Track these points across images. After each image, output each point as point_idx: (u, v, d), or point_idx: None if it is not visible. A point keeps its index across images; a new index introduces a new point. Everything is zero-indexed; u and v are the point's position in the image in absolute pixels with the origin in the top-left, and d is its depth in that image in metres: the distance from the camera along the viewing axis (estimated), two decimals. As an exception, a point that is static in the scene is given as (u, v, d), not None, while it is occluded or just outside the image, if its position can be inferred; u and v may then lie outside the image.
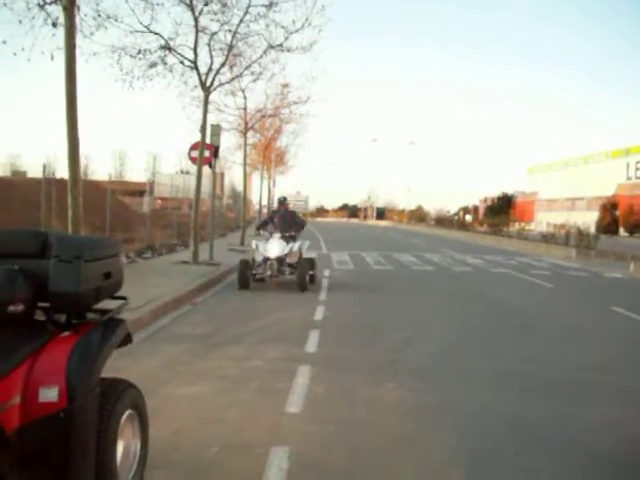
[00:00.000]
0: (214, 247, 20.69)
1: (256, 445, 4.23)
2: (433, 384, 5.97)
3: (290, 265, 12.40)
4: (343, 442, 4.39)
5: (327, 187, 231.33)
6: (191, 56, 14.56)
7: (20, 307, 3.09)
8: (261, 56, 15.80)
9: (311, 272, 12.83)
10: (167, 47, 14.19)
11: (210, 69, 15.03)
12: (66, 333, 3.15)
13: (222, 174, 66.84)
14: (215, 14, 14.16)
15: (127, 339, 3.58)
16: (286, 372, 6.10)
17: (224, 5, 13.96)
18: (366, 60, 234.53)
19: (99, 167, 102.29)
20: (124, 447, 3.40)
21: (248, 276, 12.16)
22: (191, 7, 14.07)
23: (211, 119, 19.81)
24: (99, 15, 11.38)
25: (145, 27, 14.02)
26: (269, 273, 12.23)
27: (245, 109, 22.52)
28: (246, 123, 22.91)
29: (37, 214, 13.71)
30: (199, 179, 15.79)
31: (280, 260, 12.25)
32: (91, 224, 14.66)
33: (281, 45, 15.36)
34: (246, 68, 16.13)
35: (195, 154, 15.88)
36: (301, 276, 12.05)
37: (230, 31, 15.02)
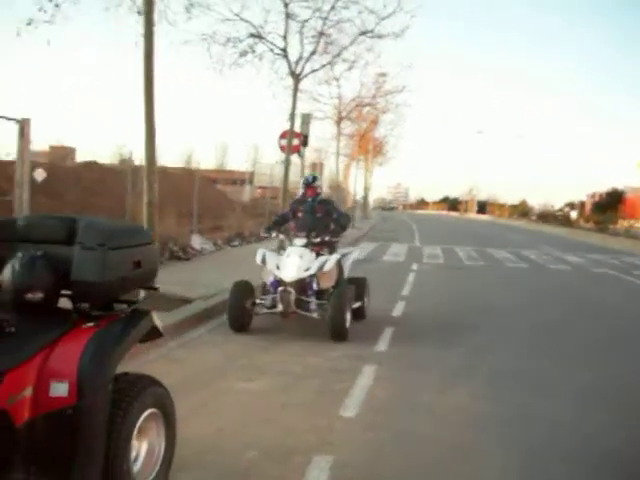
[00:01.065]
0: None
1: (299, 452, 3.93)
2: (508, 394, 5.46)
3: (320, 293, 7.25)
4: (394, 454, 4.01)
5: (428, 179, 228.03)
6: (281, 44, 14.44)
7: (39, 295, 2.92)
8: (351, 43, 15.48)
9: (358, 303, 7.83)
10: (257, 35, 14.12)
11: (300, 57, 14.85)
12: (87, 324, 2.96)
13: (321, 164, 67.18)
14: (306, 0, 13.94)
15: (155, 332, 3.37)
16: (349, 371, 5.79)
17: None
18: (472, 51, 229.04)
19: (204, 157, 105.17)
20: (147, 447, 3.21)
21: (245, 310, 7.12)
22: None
23: (305, 108, 19.74)
24: (191, 5, 11.46)
25: (236, 15, 14.06)
26: (280, 308, 6.95)
27: (339, 98, 22.27)
28: (340, 112, 22.64)
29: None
30: (287, 168, 15.67)
31: (302, 286, 7.11)
32: (177, 211, 14.84)
33: (372, 31, 14.99)
34: (336, 55, 15.81)
35: (284, 142, 15.79)
36: (336, 317, 6.77)
37: (321, 18, 14.79)
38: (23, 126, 8.41)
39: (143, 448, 3.20)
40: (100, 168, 21.98)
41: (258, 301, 7.27)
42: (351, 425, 4.50)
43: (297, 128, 16.15)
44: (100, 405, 2.73)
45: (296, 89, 15.08)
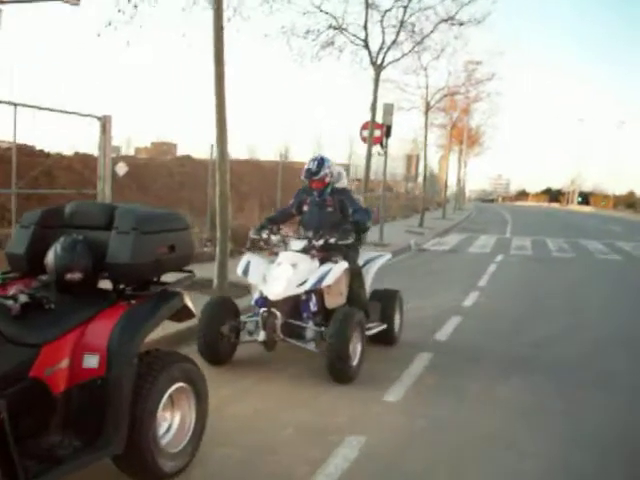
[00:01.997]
0: (393, 228, 20.85)
1: (334, 432, 4.05)
2: (567, 388, 5.33)
3: (324, 315, 5.42)
4: (428, 440, 4.06)
5: (530, 170, 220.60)
6: (361, 34, 14.53)
7: (77, 275, 3.19)
8: (433, 31, 15.31)
9: (382, 326, 6.06)
10: (337, 27, 14.28)
11: (381, 47, 14.85)
12: (120, 303, 3.20)
13: (417, 156, 66.47)
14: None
15: (186, 313, 3.59)
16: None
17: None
18: (570, 35, 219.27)
19: (300, 150, 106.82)
20: (179, 419, 3.43)
21: (221, 337, 5.28)
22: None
23: (392, 98, 19.70)
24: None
25: (316, 7, 14.28)
26: (262, 336, 5.09)
27: (427, 88, 22.06)
28: (427, 102, 22.43)
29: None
30: (368, 159, 15.73)
31: (294, 305, 5.33)
32: (270, 202, 15.19)
33: (453, 18, 14.79)
34: (418, 43, 15.68)
35: (365, 134, 15.85)
36: (336, 351, 4.93)
37: (403, 7, 14.74)
38: (104, 122, 8.93)
39: (176, 420, 3.43)
40: (192, 162, 22.86)
41: (246, 322, 5.44)
42: (391, 410, 4.57)
43: (380, 119, 16.16)
44: (126, 376, 2.97)
45: (377, 79, 15.10)
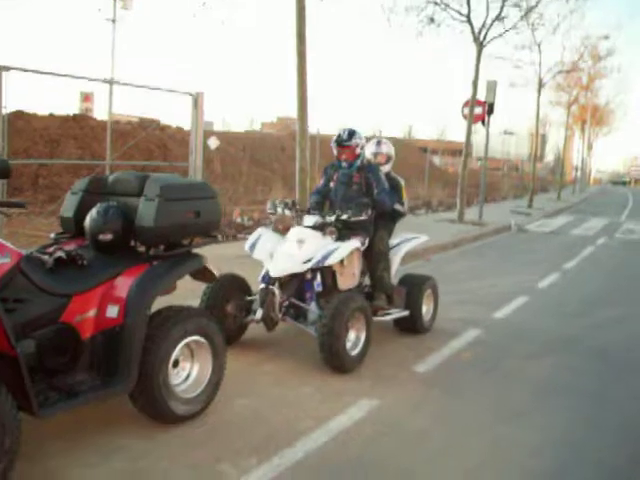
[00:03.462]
0: (499, 208, 20.54)
1: (351, 393, 4.30)
2: (606, 371, 5.26)
3: (326, 296, 5.09)
4: (434, 409, 4.21)
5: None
6: (463, 10, 14.31)
7: (108, 236, 3.61)
8: (536, 5, 14.78)
9: (404, 312, 5.74)
10: (439, 3, 14.16)
11: (484, 23, 14.56)
12: (145, 262, 3.61)
13: (543, 135, 64.06)
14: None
15: (207, 275, 3.97)
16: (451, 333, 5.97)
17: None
18: None
19: (424, 129, 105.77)
20: (198, 369, 3.81)
21: (223, 315, 5.05)
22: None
23: (504, 74, 19.25)
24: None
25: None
26: (259, 315, 4.82)
27: (539, 65, 21.28)
28: (540, 79, 21.64)
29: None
30: (468, 137, 15.55)
31: (297, 284, 5.11)
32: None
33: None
34: (522, 17, 15.19)
35: (467, 111, 15.64)
36: (328, 336, 4.58)
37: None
38: (197, 99, 9.49)
39: (195, 370, 3.82)
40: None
41: (252, 300, 5.17)
42: (415, 379, 4.75)
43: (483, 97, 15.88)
44: (138, 324, 3.38)
45: (479, 56, 14.82)
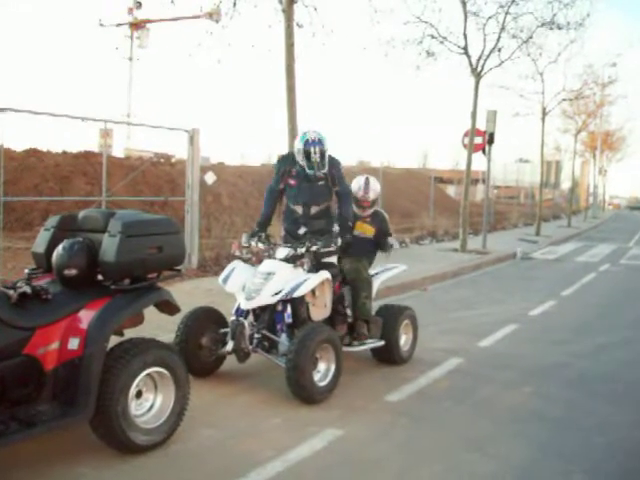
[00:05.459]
0: (506, 236, 20.56)
1: (317, 424, 4.35)
2: (579, 399, 5.27)
3: (297, 327, 5.03)
4: (398, 439, 4.24)
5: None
6: (460, 42, 14.57)
7: (73, 272, 3.76)
8: (531, 36, 14.99)
9: (380, 342, 5.75)
10: (436, 36, 14.44)
11: (481, 55, 14.78)
12: (107, 296, 3.75)
13: (557, 162, 64.01)
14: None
15: (171, 308, 4.09)
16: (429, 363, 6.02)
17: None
18: None
19: (441, 158, 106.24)
20: (162, 399, 3.90)
21: (197, 348, 5.09)
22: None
23: (506, 104, 19.41)
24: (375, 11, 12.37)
25: (417, 17, 14.53)
26: (229, 347, 4.92)
27: (542, 93, 21.46)
28: (544, 108, 21.79)
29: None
30: (468, 167, 15.67)
31: (269, 316, 5.14)
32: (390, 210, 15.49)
33: (553, 22, 14.42)
34: (517, 49, 15.38)
35: (467, 141, 15.78)
36: (294, 368, 4.59)
37: (505, 13, 14.58)
38: (193, 135, 9.75)
39: (158, 400, 3.92)
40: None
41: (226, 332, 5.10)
42: (385, 409, 4.80)
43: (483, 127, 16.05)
44: (96, 356, 3.50)
45: (477, 87, 15.01)
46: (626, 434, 4.51)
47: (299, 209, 5.57)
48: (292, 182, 5.54)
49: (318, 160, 5.35)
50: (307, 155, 5.35)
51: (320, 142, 5.37)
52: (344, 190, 5.61)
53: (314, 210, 5.53)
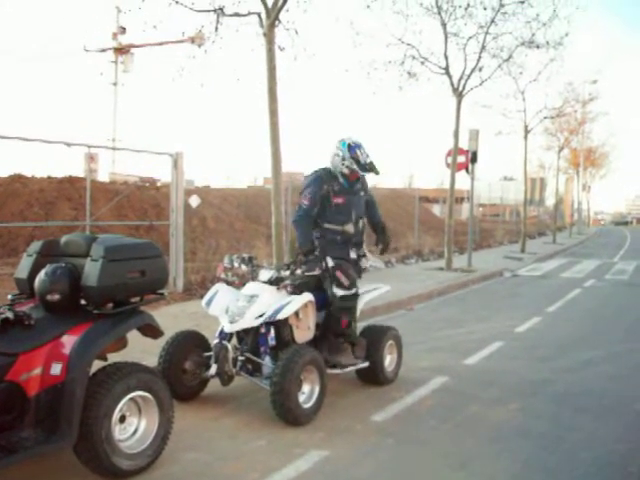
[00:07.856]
0: (492, 254, 20.65)
1: (302, 446, 4.34)
2: (564, 414, 5.30)
3: (281, 350, 4.95)
4: (384, 458, 4.24)
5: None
6: (442, 63, 14.77)
7: (56, 297, 3.76)
8: (511, 55, 15.24)
9: (365, 364, 5.69)
10: (417, 57, 14.64)
11: (462, 74, 14.96)
12: (90, 321, 3.74)
13: (542, 179, 64.52)
14: (462, 17, 14.15)
15: (154, 331, 4.09)
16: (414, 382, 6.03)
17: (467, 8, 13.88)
18: None
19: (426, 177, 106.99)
20: (145, 424, 3.89)
21: (181, 373, 5.05)
22: (439, 14, 14.29)
23: (489, 123, 19.62)
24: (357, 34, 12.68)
25: (398, 39, 14.72)
26: (213, 370, 4.93)
27: (524, 111, 21.74)
28: (526, 126, 22.06)
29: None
30: (452, 186, 15.80)
31: (252, 339, 5.12)
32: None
33: (532, 42, 14.69)
34: (497, 68, 15.60)
35: (450, 160, 15.91)
36: (280, 391, 4.57)
37: (487, 33, 14.80)
38: (176, 159, 9.78)
39: (142, 424, 3.90)
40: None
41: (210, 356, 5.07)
42: (370, 429, 4.80)
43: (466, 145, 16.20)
44: (79, 381, 3.48)
45: (459, 107, 15.17)
46: (612, 449, 4.53)
47: (350, 228, 5.41)
48: (340, 200, 5.37)
49: (371, 160, 5.32)
50: (356, 160, 5.30)
51: (360, 144, 5.41)
52: (373, 197, 5.78)
53: (361, 224, 5.48)
